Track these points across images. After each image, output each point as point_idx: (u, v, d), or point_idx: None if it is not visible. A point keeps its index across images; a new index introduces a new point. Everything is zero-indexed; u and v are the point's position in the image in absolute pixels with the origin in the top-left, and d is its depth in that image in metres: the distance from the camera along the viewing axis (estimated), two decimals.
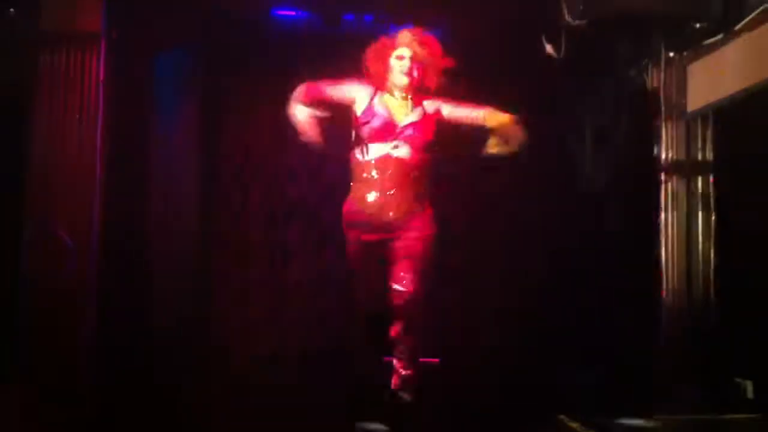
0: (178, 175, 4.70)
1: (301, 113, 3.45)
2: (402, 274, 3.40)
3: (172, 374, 4.30)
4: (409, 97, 3.48)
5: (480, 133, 3.46)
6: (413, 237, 3.42)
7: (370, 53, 3.51)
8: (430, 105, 3.52)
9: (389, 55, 3.48)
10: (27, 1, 3.79)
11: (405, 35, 3.48)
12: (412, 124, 3.43)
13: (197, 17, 4.14)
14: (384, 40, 3.52)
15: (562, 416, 3.43)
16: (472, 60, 4.78)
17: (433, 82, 3.49)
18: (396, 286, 3.39)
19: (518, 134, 3.44)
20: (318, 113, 3.43)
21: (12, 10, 3.80)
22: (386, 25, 4.20)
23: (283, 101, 4.96)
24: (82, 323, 3.81)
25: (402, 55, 3.46)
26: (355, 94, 3.49)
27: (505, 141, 3.43)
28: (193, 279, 4.81)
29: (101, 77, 3.79)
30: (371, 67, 3.50)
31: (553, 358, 4.69)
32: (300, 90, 3.46)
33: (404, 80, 3.44)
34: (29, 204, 3.81)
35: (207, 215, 4.97)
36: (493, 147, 3.45)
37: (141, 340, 4.25)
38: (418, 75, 3.46)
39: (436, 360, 4.84)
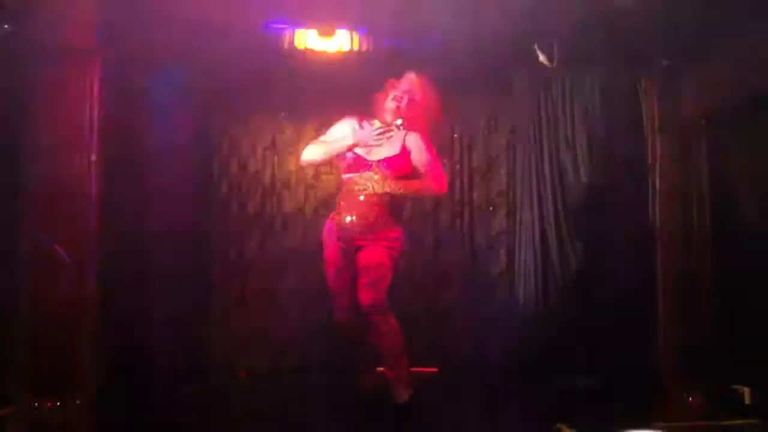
0: (175, 188, 4.70)
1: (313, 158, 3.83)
2: (364, 283, 3.59)
3: (171, 387, 4.29)
4: (394, 129, 3.71)
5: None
6: (376, 247, 3.64)
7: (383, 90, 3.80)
8: (410, 143, 3.75)
9: (389, 91, 3.77)
10: (22, 18, 3.78)
11: (410, 77, 3.76)
12: (391, 158, 3.69)
13: (192, 33, 4.14)
14: (393, 81, 3.80)
15: (560, 425, 3.44)
16: (465, 71, 4.86)
17: (419, 124, 3.77)
18: (361, 295, 3.58)
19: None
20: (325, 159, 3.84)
21: (6, 26, 3.79)
22: (380, 38, 4.24)
23: (277, 113, 5.08)
24: (81, 338, 3.79)
25: (399, 95, 3.74)
26: (341, 132, 3.76)
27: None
28: (192, 290, 4.81)
29: (96, 93, 3.78)
30: (378, 100, 3.80)
31: (551, 366, 4.70)
32: (305, 156, 3.83)
33: (394, 115, 3.73)
34: (26, 220, 3.80)
35: (204, 227, 4.97)
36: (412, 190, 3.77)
37: (140, 354, 4.24)
38: (408, 114, 3.73)
39: (435, 369, 4.89)
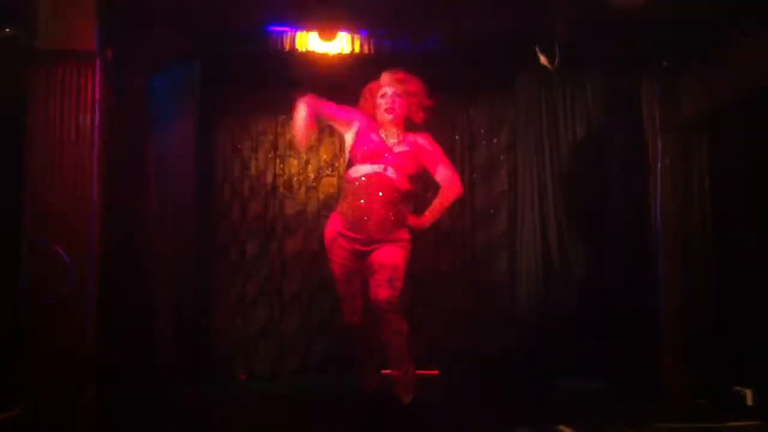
0: (175, 189, 4.71)
1: (301, 112, 3.69)
2: (382, 280, 3.57)
3: (171, 387, 4.30)
4: (398, 130, 3.77)
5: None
6: (392, 246, 3.65)
7: (362, 97, 3.85)
8: (420, 142, 3.80)
9: (376, 96, 3.80)
10: (23, 20, 3.80)
11: (386, 76, 3.79)
12: (402, 153, 3.72)
13: (192, 35, 4.15)
14: (371, 85, 3.84)
15: (561, 426, 3.44)
16: (466, 72, 4.87)
17: (417, 116, 3.80)
18: (377, 293, 3.55)
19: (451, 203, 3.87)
20: (315, 118, 3.71)
21: (8, 29, 3.81)
22: (381, 41, 4.24)
23: (278, 116, 5.09)
24: (82, 339, 3.80)
25: (385, 93, 3.77)
26: (353, 118, 3.78)
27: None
28: (192, 291, 4.81)
29: (97, 95, 3.79)
30: (364, 108, 3.83)
31: (552, 367, 4.69)
32: (308, 97, 3.73)
33: (388, 116, 3.75)
34: (26, 221, 3.81)
35: (205, 228, 4.98)
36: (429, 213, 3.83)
37: (140, 354, 4.25)
38: (401, 109, 3.76)
39: (436, 371, 4.89)
